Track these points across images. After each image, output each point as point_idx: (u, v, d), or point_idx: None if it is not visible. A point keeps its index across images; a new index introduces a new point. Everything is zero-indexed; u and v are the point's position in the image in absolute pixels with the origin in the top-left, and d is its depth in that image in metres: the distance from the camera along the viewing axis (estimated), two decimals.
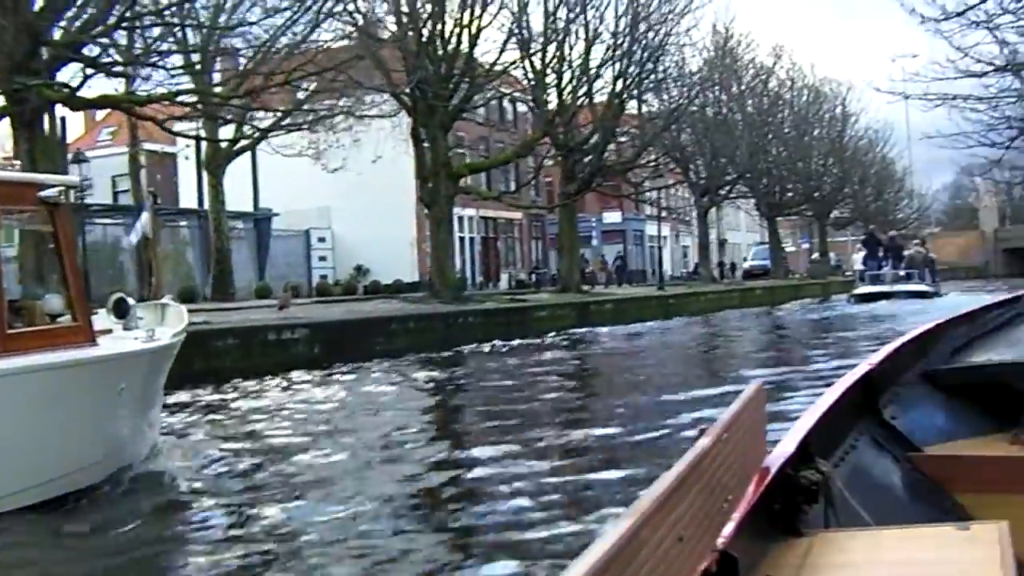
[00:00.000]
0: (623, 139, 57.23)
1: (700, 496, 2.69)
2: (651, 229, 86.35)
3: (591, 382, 24.20)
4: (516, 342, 33.32)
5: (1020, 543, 3.16)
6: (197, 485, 11.64)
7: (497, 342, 32.87)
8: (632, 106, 55.38)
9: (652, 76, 53.11)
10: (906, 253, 55.45)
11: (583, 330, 38.58)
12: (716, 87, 70.32)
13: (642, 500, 2.29)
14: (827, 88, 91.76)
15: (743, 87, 76.43)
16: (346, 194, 54.77)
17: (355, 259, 60.40)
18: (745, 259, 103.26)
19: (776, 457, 3.41)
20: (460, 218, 63.57)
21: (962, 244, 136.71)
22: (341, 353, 26.87)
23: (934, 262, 58.40)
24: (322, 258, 61.44)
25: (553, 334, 36.50)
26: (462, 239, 65.92)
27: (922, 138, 48.51)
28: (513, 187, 58.54)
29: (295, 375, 23.71)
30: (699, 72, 64.87)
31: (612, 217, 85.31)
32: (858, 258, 60.08)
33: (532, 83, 47.29)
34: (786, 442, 3.52)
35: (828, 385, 4.44)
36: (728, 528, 2.85)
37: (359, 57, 35.57)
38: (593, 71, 48.93)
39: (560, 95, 47.51)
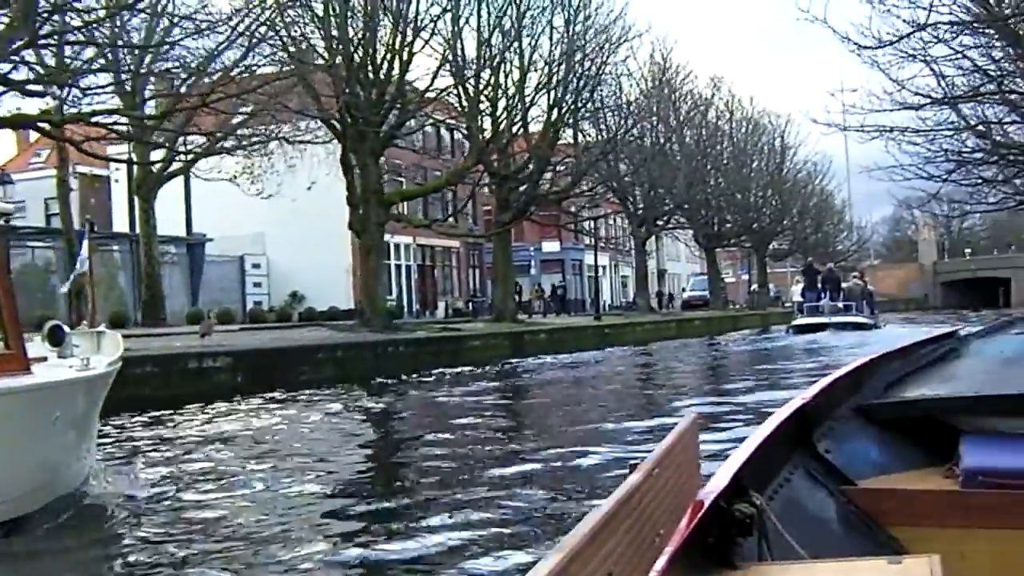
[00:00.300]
0: (560, 168, 56.34)
1: (631, 531, 2.73)
2: (590, 259, 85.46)
3: (523, 414, 23.47)
4: (448, 372, 32.75)
5: None
6: (130, 515, 11.36)
7: (428, 372, 32.31)
8: (568, 135, 55.22)
9: (588, 105, 53.09)
10: (844, 285, 55.51)
11: (517, 360, 38.15)
12: (654, 117, 70.10)
13: (570, 537, 2.30)
14: (766, 120, 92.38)
15: (681, 117, 76.27)
16: (281, 220, 54.22)
17: (290, 286, 59.68)
18: (684, 289, 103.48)
19: (710, 490, 3.38)
20: (397, 246, 64.05)
21: (901, 276, 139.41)
22: (265, 382, 26.18)
23: (872, 294, 59.06)
24: (257, 284, 60.67)
25: (487, 364, 35.86)
26: (399, 267, 66.30)
27: (861, 171, 48.39)
28: (450, 215, 57.84)
29: (216, 405, 23.04)
30: (636, 101, 64.66)
31: (551, 246, 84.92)
32: (797, 289, 59.65)
33: (466, 110, 46.43)
34: (720, 475, 3.51)
35: (765, 417, 4.43)
36: (660, 562, 2.81)
37: (280, 78, 35.08)
38: (528, 99, 48.47)
39: (495, 123, 46.83)
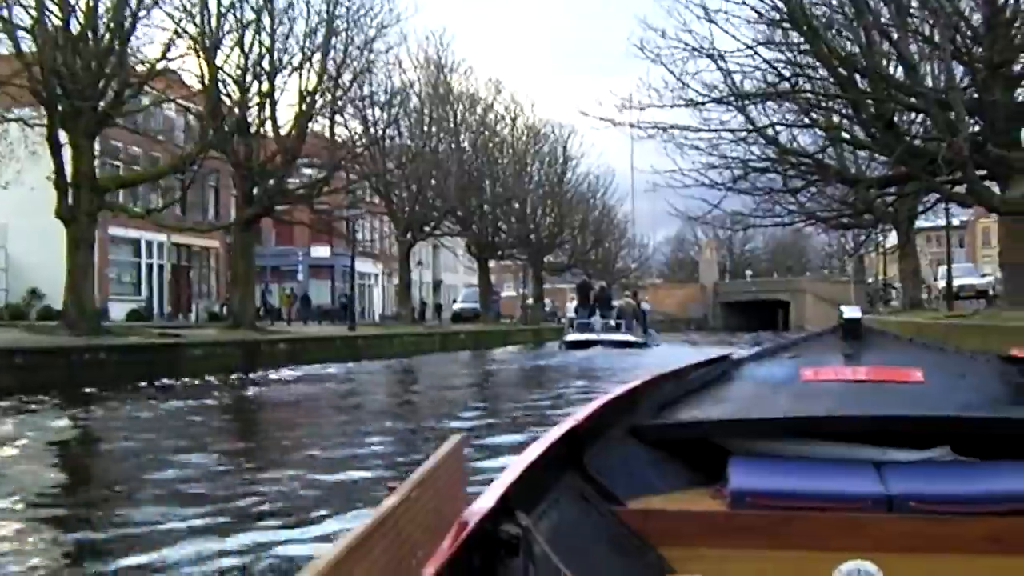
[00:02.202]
0: (315, 163, 51.40)
1: (385, 555, 2.65)
2: (364, 267, 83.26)
3: (244, 436, 19.85)
4: (161, 384, 28.78)
5: None
6: None
7: (135, 384, 27.99)
8: (325, 126, 50.39)
9: (347, 95, 48.88)
10: (616, 303, 57.61)
11: (249, 373, 33.97)
12: (424, 114, 66.48)
13: (312, 564, 2.20)
14: (548, 129, 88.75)
15: (458, 118, 72.68)
16: (24, 212, 49.61)
17: (32, 282, 54.99)
18: (455, 301, 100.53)
19: (474, 512, 3.24)
20: (149, 243, 60.72)
21: (682, 296, 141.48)
22: None
23: (645, 313, 61.26)
24: None
25: (210, 375, 31.81)
26: (150, 266, 62.39)
27: (647, 190, 46.48)
28: (209, 209, 52.61)
29: None
30: (401, 93, 60.54)
31: (320, 252, 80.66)
32: (572, 306, 61.29)
33: (204, 88, 40.67)
34: (486, 497, 3.39)
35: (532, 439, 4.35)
36: None
37: None
38: (281, 80, 44.07)
39: (242, 106, 42.19)
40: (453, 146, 71.36)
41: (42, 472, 14.64)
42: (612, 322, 54.83)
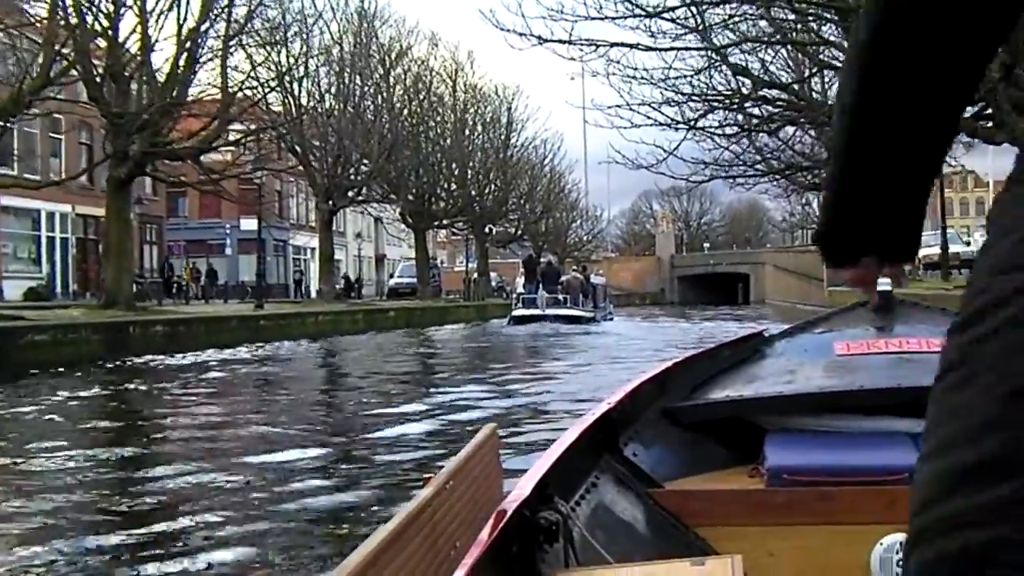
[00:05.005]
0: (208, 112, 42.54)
1: (423, 547, 2.75)
2: (299, 239, 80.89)
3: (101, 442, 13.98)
4: None
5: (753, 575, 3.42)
6: None
7: None
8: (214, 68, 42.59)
9: (240, 32, 41.51)
10: (564, 278, 57.69)
11: (114, 362, 28.22)
12: (343, 63, 60.82)
13: (349, 560, 2.25)
14: (490, 88, 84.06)
15: (385, 71, 66.36)
16: None
17: None
18: (391, 275, 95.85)
19: (512, 500, 3.34)
20: (51, 215, 56.14)
21: (639, 270, 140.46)
22: None
23: (597, 287, 60.96)
24: None
25: (62, 367, 25.83)
26: (52, 239, 57.53)
27: (601, 162, 41.84)
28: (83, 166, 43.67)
29: None
30: (303, 22, 53.25)
31: (250, 224, 75.28)
32: (521, 281, 60.34)
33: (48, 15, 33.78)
34: (523, 484, 3.49)
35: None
36: (458, 574, 2.73)
37: None
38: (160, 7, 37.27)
39: (112, 44, 35.64)
40: (380, 101, 65.46)
41: None
42: (560, 297, 54.62)
